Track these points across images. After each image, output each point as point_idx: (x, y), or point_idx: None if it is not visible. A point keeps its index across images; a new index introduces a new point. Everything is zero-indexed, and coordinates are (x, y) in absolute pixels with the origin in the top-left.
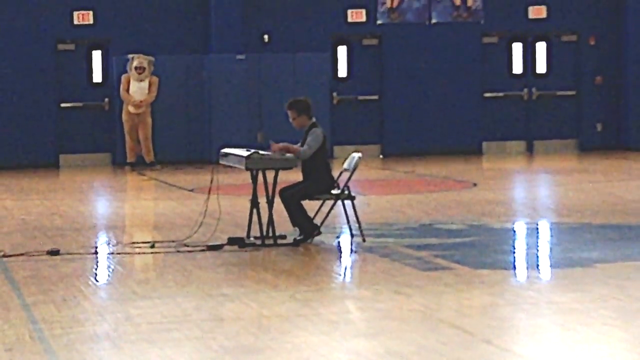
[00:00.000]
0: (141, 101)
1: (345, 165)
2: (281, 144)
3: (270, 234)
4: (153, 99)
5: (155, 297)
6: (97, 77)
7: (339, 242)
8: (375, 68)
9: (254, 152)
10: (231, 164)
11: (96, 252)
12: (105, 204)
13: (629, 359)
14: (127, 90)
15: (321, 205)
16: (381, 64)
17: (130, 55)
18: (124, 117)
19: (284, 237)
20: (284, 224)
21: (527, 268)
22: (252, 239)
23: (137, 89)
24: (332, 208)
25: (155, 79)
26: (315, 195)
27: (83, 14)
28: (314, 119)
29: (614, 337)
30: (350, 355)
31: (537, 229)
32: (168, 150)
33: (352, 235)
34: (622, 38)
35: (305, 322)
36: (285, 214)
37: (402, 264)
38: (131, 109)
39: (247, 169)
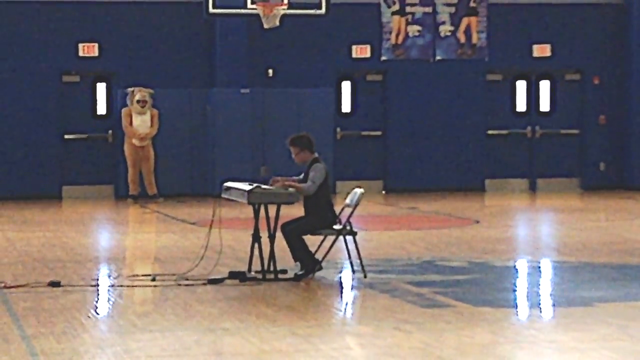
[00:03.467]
0: (146, 134)
1: (348, 201)
2: (283, 179)
3: (272, 269)
4: (156, 132)
5: (155, 331)
6: (102, 109)
7: (340, 278)
8: (379, 104)
9: (256, 187)
10: (233, 198)
11: (97, 285)
12: (107, 236)
13: None
14: (130, 123)
15: (323, 241)
16: (385, 99)
17: (130, 89)
18: (127, 150)
19: (285, 272)
20: (285, 258)
21: (529, 306)
22: (253, 273)
23: (141, 122)
24: (333, 243)
25: (155, 112)
26: (317, 230)
27: (88, 46)
28: (316, 154)
29: None
30: None
31: (539, 267)
32: (171, 183)
33: (353, 271)
34: (626, 78)
35: (305, 358)
36: (287, 248)
37: (403, 301)
38: (136, 142)
39: (249, 203)
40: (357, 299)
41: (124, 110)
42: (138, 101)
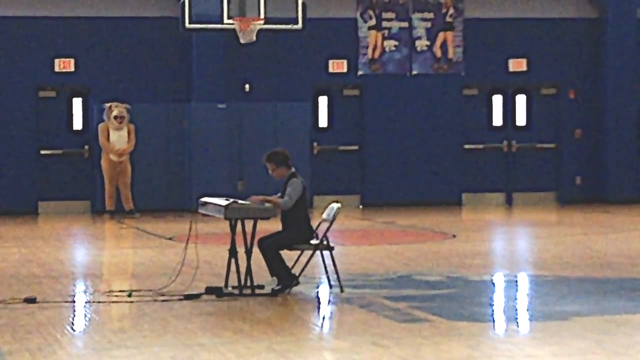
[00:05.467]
0: (124, 149)
1: (325, 216)
2: (260, 197)
3: (248, 284)
4: (133, 147)
5: (131, 347)
6: (78, 124)
7: (317, 293)
8: (355, 118)
9: (232, 202)
10: (210, 213)
11: (73, 301)
12: (83, 251)
13: None
14: (108, 139)
15: (300, 256)
16: (362, 114)
17: (107, 104)
18: (105, 165)
19: (262, 287)
20: (262, 273)
21: (505, 321)
22: (230, 288)
23: (118, 138)
24: (310, 258)
25: (132, 127)
26: (294, 245)
27: (64, 62)
28: (293, 169)
29: None
30: None
31: (516, 281)
32: (148, 198)
33: (330, 286)
34: (602, 92)
35: None
36: (264, 263)
37: (380, 315)
38: (113, 157)
39: (226, 218)
40: (334, 314)
41: (101, 126)
42: (115, 117)
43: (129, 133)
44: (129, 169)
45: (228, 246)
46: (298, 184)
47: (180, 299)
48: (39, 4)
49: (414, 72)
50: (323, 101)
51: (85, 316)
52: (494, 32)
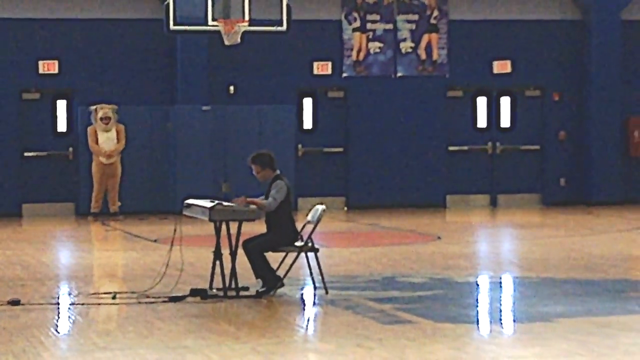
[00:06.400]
0: (112, 151)
1: (309, 217)
2: (245, 198)
3: (233, 286)
4: (123, 147)
5: (115, 349)
6: (62, 126)
7: (302, 295)
8: (340, 120)
9: (217, 204)
10: (195, 215)
11: (57, 303)
12: (67, 254)
13: None
14: (96, 142)
15: (284, 257)
16: (346, 116)
17: (93, 107)
18: (95, 168)
19: (246, 289)
20: (246, 275)
21: (490, 322)
22: (214, 290)
23: (106, 140)
24: (295, 260)
25: (121, 127)
26: (279, 247)
27: (48, 64)
28: (277, 171)
29: None
30: None
31: (500, 283)
32: (132, 200)
33: (315, 288)
34: (586, 94)
35: None
36: (248, 265)
37: (365, 317)
38: (103, 160)
39: (210, 220)
40: (318, 316)
41: (89, 129)
42: (102, 118)
43: (117, 133)
44: (120, 170)
45: (213, 248)
46: (282, 186)
47: (165, 301)
48: (23, 6)
49: (399, 74)
50: (307, 103)
51: (70, 318)
52: (479, 34)
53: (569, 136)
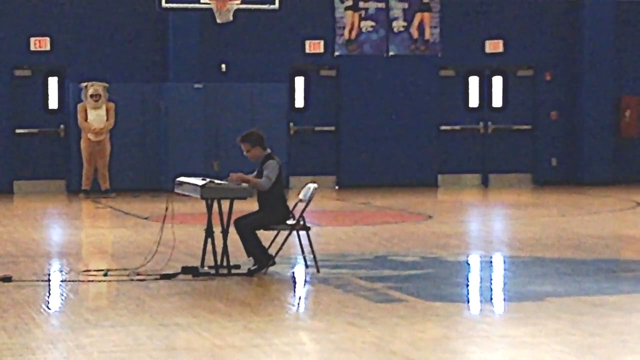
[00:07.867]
0: (101, 128)
1: (301, 196)
2: (239, 175)
3: (225, 264)
4: (112, 125)
5: (107, 326)
6: (53, 103)
7: (293, 273)
8: (332, 99)
9: (209, 182)
10: (186, 193)
11: (49, 280)
12: (59, 231)
13: None
14: (86, 119)
15: (276, 236)
16: (338, 95)
17: (83, 84)
18: (84, 145)
19: (238, 267)
20: (238, 253)
21: (481, 301)
22: (206, 268)
23: (95, 117)
24: (287, 238)
25: (111, 105)
26: (271, 225)
27: (40, 40)
28: (268, 150)
29: None
30: None
31: (491, 262)
32: (124, 178)
33: (306, 266)
34: (578, 73)
35: (258, 353)
36: (240, 243)
37: (356, 296)
38: (92, 137)
39: (202, 198)
40: (310, 294)
41: (79, 106)
42: (92, 95)
43: (107, 111)
44: (108, 148)
45: (204, 226)
46: (275, 165)
47: (157, 279)
48: None
49: (391, 53)
50: (299, 82)
51: (62, 295)
52: (471, 13)
53: (561, 116)
